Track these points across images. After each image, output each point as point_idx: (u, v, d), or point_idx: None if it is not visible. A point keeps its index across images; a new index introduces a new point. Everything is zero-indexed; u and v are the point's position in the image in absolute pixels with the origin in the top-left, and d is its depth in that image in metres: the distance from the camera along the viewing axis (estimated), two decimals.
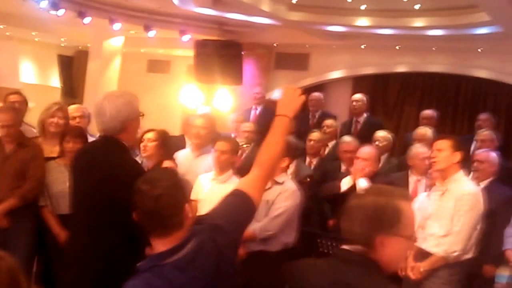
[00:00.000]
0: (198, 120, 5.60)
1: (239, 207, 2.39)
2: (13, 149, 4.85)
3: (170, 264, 2.09)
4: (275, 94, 2.96)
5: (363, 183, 5.12)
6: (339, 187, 5.31)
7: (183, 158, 5.44)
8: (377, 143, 6.39)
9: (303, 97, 2.69)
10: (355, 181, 5.19)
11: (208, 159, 5.24)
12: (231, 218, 2.32)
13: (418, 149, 5.80)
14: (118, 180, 3.06)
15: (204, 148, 5.48)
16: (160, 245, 2.14)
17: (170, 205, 2.13)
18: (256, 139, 6.83)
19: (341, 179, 5.38)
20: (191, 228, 2.18)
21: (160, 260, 2.11)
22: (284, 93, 2.71)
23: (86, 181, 3.27)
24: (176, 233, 2.13)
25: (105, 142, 3.32)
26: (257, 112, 8.80)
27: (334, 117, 7.99)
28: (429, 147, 6.28)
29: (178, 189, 2.19)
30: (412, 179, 5.69)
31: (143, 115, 3.44)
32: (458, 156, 4.32)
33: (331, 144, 7.20)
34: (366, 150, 5.37)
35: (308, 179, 5.87)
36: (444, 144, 4.34)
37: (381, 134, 6.62)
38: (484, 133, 6.55)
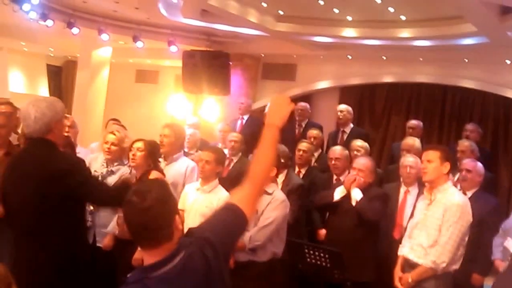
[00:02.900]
0: (164, 129, 5.60)
1: (231, 221, 2.37)
2: (1, 157, 4.83)
3: (158, 277, 2.07)
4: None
5: (357, 194, 5.15)
6: (332, 196, 5.35)
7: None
8: (355, 152, 6.44)
9: (292, 105, 2.70)
10: (348, 190, 5.22)
11: (174, 167, 5.34)
12: (221, 231, 2.30)
13: (404, 158, 5.84)
14: (56, 174, 3.29)
15: (174, 156, 5.49)
16: (148, 257, 2.12)
17: (160, 217, 2.10)
18: (243, 149, 6.86)
19: (334, 189, 5.42)
20: (180, 240, 2.16)
21: (148, 273, 2.08)
22: (273, 101, 2.71)
23: (22, 183, 3.39)
24: (165, 245, 2.11)
25: (33, 144, 3.49)
26: (243, 122, 8.82)
27: (320, 127, 8.02)
28: (417, 157, 6.35)
29: (168, 201, 2.15)
30: (403, 189, 5.72)
31: (66, 116, 3.61)
32: (447, 166, 4.35)
33: (317, 154, 7.23)
34: (362, 161, 5.40)
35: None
36: (434, 155, 4.36)
37: (358, 143, 6.65)
38: (465, 144, 6.60)
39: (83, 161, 3.67)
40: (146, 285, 2.06)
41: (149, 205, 2.08)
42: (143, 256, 2.17)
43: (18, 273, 3.30)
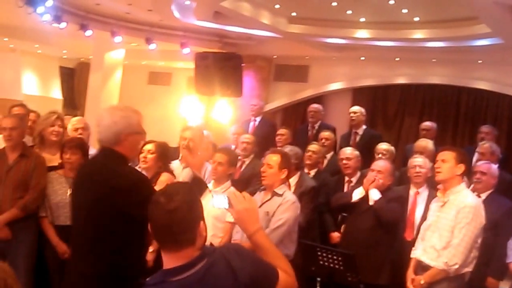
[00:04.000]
0: (186, 132, 5.60)
1: (265, 264, 2.25)
2: (15, 159, 4.86)
3: (178, 282, 2.05)
4: (217, 202, 2.69)
5: (375, 195, 5.13)
6: (350, 197, 5.33)
7: (175, 169, 5.45)
8: (380, 155, 6.38)
9: (254, 200, 2.52)
10: (367, 191, 5.20)
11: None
12: (255, 260, 2.22)
13: (413, 158, 5.81)
14: (114, 187, 3.09)
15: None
16: (170, 260, 2.10)
17: (184, 221, 2.08)
18: (255, 151, 6.85)
19: (348, 190, 5.40)
20: (204, 247, 2.14)
21: (168, 277, 2.07)
22: (238, 209, 2.45)
23: (85, 193, 3.25)
24: (187, 250, 2.08)
25: (102, 153, 3.31)
26: (256, 123, 8.81)
27: (333, 129, 7.99)
28: (430, 159, 6.30)
29: (194, 205, 2.13)
30: (412, 191, 5.68)
31: (144, 133, 3.42)
32: (461, 168, 4.32)
33: (329, 156, 7.21)
34: (381, 163, 5.38)
35: None
36: (449, 155, 4.34)
37: (384, 146, 6.60)
38: (485, 146, 6.54)
39: (147, 179, 3.44)
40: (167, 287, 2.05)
41: (175, 207, 2.07)
42: (164, 259, 2.14)
43: (68, 280, 3.35)
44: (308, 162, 6.41)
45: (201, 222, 2.13)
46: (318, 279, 5.05)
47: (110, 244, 3.12)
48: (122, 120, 3.22)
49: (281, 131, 7.63)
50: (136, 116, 3.33)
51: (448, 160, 4.32)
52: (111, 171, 3.19)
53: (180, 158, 5.66)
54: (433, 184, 5.52)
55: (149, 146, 5.08)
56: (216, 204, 2.48)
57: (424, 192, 5.61)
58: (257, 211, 2.46)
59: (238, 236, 4.46)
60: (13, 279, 1.95)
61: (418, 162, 5.68)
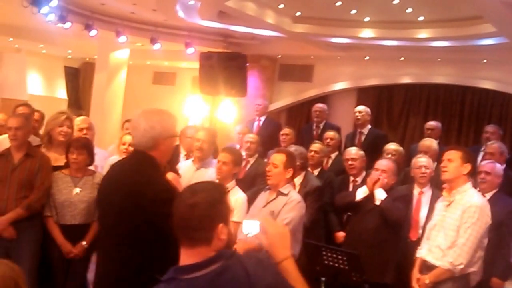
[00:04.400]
0: (200, 133, 5.61)
1: (286, 282, 2.19)
2: (21, 159, 4.87)
3: (188, 281, 2.03)
4: (247, 227, 2.65)
5: (381, 194, 5.12)
6: (354, 196, 5.32)
7: (185, 170, 5.45)
8: (389, 156, 6.36)
9: (287, 229, 2.50)
10: (370, 191, 5.19)
11: (209, 172, 5.25)
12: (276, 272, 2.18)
13: (417, 158, 5.80)
14: (144, 195, 3.04)
15: (205, 161, 5.50)
16: (185, 257, 2.10)
17: (202, 218, 2.07)
18: (259, 150, 6.84)
19: (354, 190, 5.40)
20: (221, 251, 2.10)
21: (179, 274, 2.05)
22: (271, 233, 2.42)
23: (115, 197, 3.22)
24: (201, 248, 2.07)
25: (136, 157, 3.29)
26: (260, 123, 8.81)
27: (337, 129, 7.99)
28: (434, 158, 6.29)
29: (216, 205, 2.11)
30: (416, 190, 5.68)
31: (178, 136, 3.39)
32: (467, 167, 4.31)
33: (333, 155, 7.20)
34: (385, 163, 5.37)
35: None
36: (455, 155, 4.33)
37: (393, 146, 6.58)
38: (494, 146, 6.51)
39: (176, 192, 3.45)
40: (173, 286, 2.04)
41: (195, 202, 2.08)
42: (181, 255, 2.13)
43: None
44: (311, 162, 6.41)
45: (221, 225, 2.10)
46: (323, 278, 5.03)
47: (135, 249, 3.09)
48: (160, 125, 3.21)
49: (286, 130, 7.62)
50: (172, 119, 3.32)
51: (454, 160, 4.31)
52: (144, 178, 3.15)
53: (193, 159, 5.67)
54: (437, 184, 5.52)
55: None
56: (246, 230, 2.47)
57: (428, 192, 5.62)
58: (289, 237, 2.42)
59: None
60: (22, 279, 1.96)
61: (423, 162, 5.68)
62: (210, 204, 2.09)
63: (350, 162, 6.15)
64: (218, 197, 2.15)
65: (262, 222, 2.46)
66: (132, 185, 3.13)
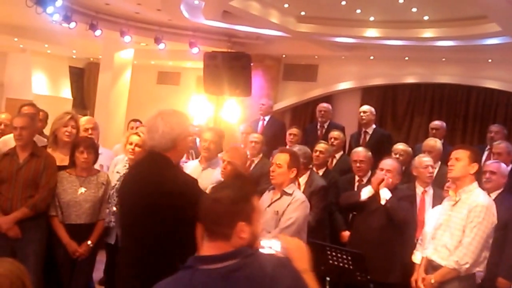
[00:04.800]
0: (207, 133, 5.62)
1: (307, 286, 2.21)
2: (26, 158, 4.89)
3: (203, 271, 2.07)
4: (268, 244, 2.70)
5: (386, 194, 5.11)
6: (359, 196, 5.32)
7: (192, 170, 5.46)
8: (397, 156, 6.36)
9: (302, 243, 2.54)
10: (375, 190, 5.19)
11: (215, 173, 5.26)
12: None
13: (421, 158, 5.80)
14: (168, 194, 3.11)
15: (212, 161, 5.51)
16: (206, 248, 2.14)
17: (222, 214, 2.11)
18: (264, 150, 6.85)
19: (360, 189, 5.40)
20: (240, 248, 2.10)
21: (197, 263, 2.10)
22: (288, 248, 2.46)
23: (135, 198, 3.27)
24: (219, 242, 2.11)
25: (151, 158, 3.34)
26: (264, 123, 8.81)
27: (342, 128, 7.99)
28: (438, 158, 6.29)
29: (239, 203, 2.13)
30: (419, 190, 5.67)
31: (192, 135, 3.43)
32: (474, 167, 4.31)
33: (338, 155, 7.20)
34: (389, 162, 5.36)
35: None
36: (463, 154, 4.33)
37: (401, 147, 6.58)
38: (501, 146, 6.49)
39: (196, 182, 3.43)
40: (188, 274, 2.08)
41: (218, 198, 2.13)
42: (203, 246, 2.18)
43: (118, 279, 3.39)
44: (316, 162, 6.40)
45: (242, 223, 2.11)
46: (328, 278, 5.04)
47: (159, 247, 3.14)
48: (178, 126, 3.28)
49: (293, 130, 7.60)
50: (187, 119, 3.43)
51: (462, 159, 4.31)
52: (163, 176, 3.22)
53: (200, 159, 5.69)
54: (439, 183, 5.53)
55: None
56: (268, 249, 2.48)
57: (430, 191, 5.64)
58: (307, 252, 2.44)
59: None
60: (28, 279, 1.98)
61: (429, 161, 5.68)
62: (232, 201, 2.12)
63: (358, 164, 6.16)
64: (243, 196, 2.16)
65: (280, 239, 2.49)
66: (154, 185, 3.18)
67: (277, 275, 2.05)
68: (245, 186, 2.22)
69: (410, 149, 6.66)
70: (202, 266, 2.08)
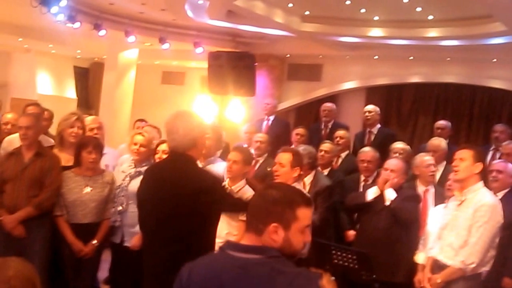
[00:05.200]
0: None
1: None
2: (31, 158, 4.90)
3: (227, 255, 2.17)
4: None
5: (391, 194, 5.11)
6: (364, 197, 5.31)
7: None
8: (396, 154, 6.35)
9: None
10: (381, 191, 5.18)
11: (213, 170, 5.28)
12: None
13: (422, 157, 5.80)
14: (196, 190, 3.27)
15: (210, 158, 5.51)
16: (244, 236, 2.23)
17: (259, 208, 2.18)
18: (269, 150, 6.84)
19: (365, 190, 5.39)
20: (268, 248, 2.13)
21: (227, 248, 2.19)
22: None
23: (161, 196, 3.37)
24: (252, 235, 2.17)
25: (175, 158, 3.48)
26: (269, 122, 8.81)
27: (346, 128, 7.98)
28: (443, 158, 6.28)
29: (279, 205, 2.16)
30: (421, 189, 5.67)
31: (208, 134, 3.59)
32: (479, 166, 4.30)
33: (344, 155, 7.19)
34: (394, 162, 5.35)
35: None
36: (467, 154, 4.31)
37: (400, 145, 6.58)
38: (509, 146, 6.47)
39: (220, 178, 3.69)
40: (218, 256, 2.22)
41: (264, 194, 2.22)
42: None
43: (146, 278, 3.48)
44: (321, 162, 6.40)
45: (275, 225, 2.13)
46: (333, 278, 5.02)
47: (184, 242, 3.27)
48: (198, 126, 3.46)
49: (299, 130, 7.58)
50: (203, 119, 3.61)
51: (466, 159, 4.30)
52: (188, 174, 3.37)
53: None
54: (444, 183, 5.52)
55: (163, 146, 5.11)
56: None
57: (431, 190, 5.64)
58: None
59: None
60: (38, 280, 1.95)
61: (430, 160, 5.69)
62: (274, 200, 2.16)
63: (365, 164, 6.15)
64: (287, 201, 2.18)
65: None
66: (182, 182, 3.33)
67: (297, 284, 2.05)
68: (294, 195, 2.23)
69: (408, 147, 6.66)
70: (230, 251, 2.17)
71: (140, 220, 3.64)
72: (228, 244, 2.22)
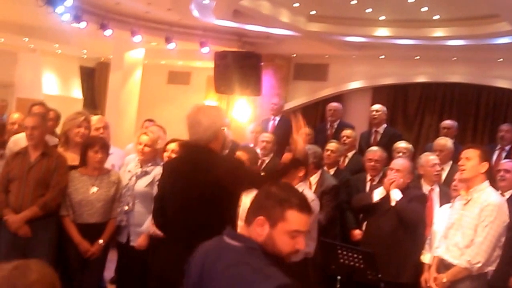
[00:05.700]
0: None
1: None
2: (37, 158, 4.91)
3: (220, 240, 2.27)
4: None
5: (397, 194, 5.10)
6: (371, 198, 5.31)
7: None
8: (400, 154, 6.35)
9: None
10: (387, 191, 5.18)
11: None
12: None
13: (427, 157, 5.79)
14: (225, 173, 3.40)
15: None
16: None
17: (254, 200, 2.26)
18: (275, 150, 6.84)
19: (371, 190, 5.37)
20: (251, 240, 2.20)
21: (224, 233, 2.30)
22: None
23: (186, 190, 3.48)
24: (245, 225, 2.25)
25: (198, 150, 3.59)
26: (275, 122, 8.81)
27: (352, 127, 7.97)
28: (449, 157, 6.27)
29: (269, 201, 2.21)
30: (426, 188, 5.66)
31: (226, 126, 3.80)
32: (485, 166, 4.30)
33: (350, 154, 7.19)
34: (400, 162, 5.35)
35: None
36: (473, 153, 4.31)
37: (403, 145, 6.57)
38: None
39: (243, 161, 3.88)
40: (217, 239, 2.31)
41: (265, 189, 2.28)
42: None
43: (170, 276, 3.47)
44: (327, 161, 6.39)
45: (263, 219, 2.18)
46: (338, 277, 5.03)
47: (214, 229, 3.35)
48: (219, 119, 3.63)
49: (306, 130, 7.57)
50: (223, 112, 3.78)
51: (472, 158, 4.30)
52: (212, 163, 3.49)
53: None
54: (447, 181, 5.52)
55: (172, 145, 5.12)
56: None
57: (436, 189, 5.66)
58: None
59: None
60: (59, 284, 1.90)
61: (436, 160, 5.68)
62: (266, 195, 2.23)
63: (373, 163, 6.15)
64: (278, 199, 2.20)
65: None
66: (205, 174, 3.42)
67: (245, 280, 2.06)
68: (291, 196, 2.24)
69: (411, 146, 6.65)
70: (224, 236, 2.28)
71: (170, 211, 3.65)
72: (227, 231, 2.30)
